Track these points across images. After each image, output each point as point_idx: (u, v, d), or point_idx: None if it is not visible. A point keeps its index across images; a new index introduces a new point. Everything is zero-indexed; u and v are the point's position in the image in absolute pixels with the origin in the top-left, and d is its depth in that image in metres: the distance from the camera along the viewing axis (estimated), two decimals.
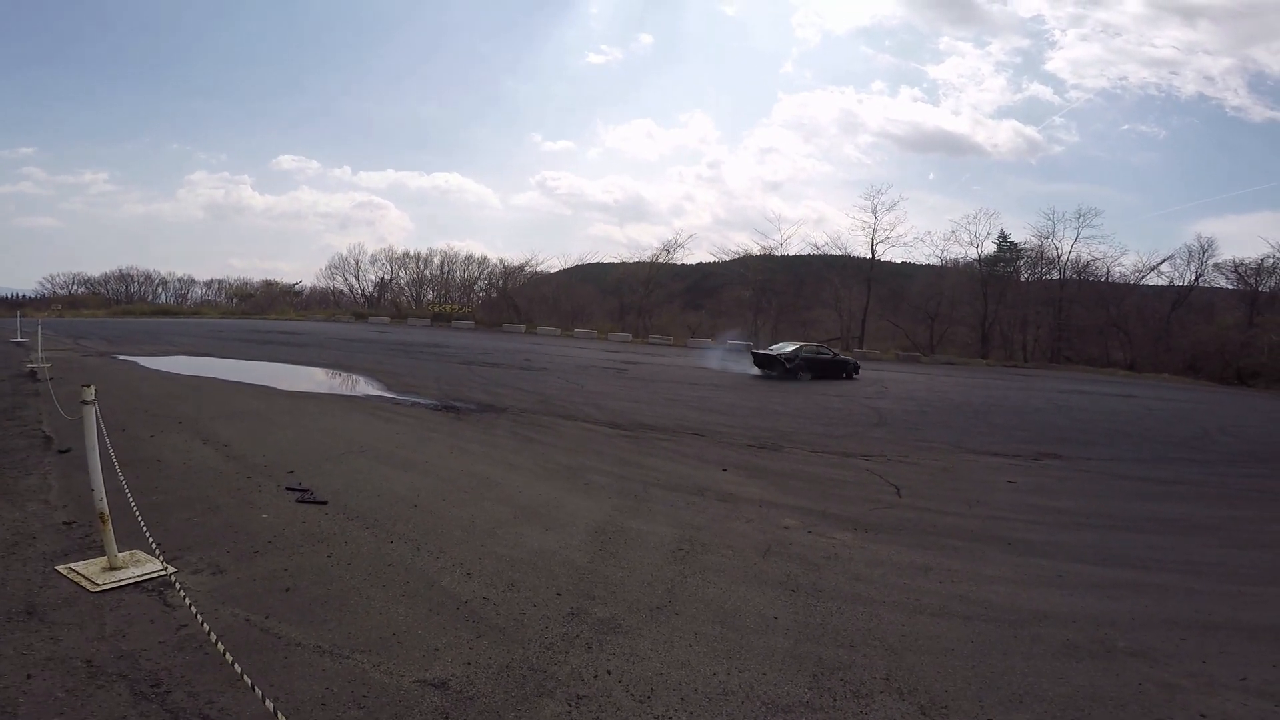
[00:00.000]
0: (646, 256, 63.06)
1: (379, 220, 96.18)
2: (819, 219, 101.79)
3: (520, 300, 59.17)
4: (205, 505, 4.87)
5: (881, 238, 52.40)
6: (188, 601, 2.89)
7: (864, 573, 4.53)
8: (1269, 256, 47.54)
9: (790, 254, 58.03)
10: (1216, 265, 49.90)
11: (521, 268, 63.52)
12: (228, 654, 2.34)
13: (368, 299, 62.75)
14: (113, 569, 3.48)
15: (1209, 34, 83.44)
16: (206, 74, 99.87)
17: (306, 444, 7.21)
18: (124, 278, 62.92)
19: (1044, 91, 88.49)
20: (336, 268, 64.52)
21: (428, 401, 11.36)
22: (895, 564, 4.75)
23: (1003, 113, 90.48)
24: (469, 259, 64.75)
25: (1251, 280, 48.21)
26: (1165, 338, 47.45)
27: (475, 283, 64.85)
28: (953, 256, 54.58)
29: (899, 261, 57.70)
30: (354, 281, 64.37)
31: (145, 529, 3.56)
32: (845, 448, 9.47)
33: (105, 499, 3.49)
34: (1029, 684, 3.13)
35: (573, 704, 2.70)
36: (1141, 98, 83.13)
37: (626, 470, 7.11)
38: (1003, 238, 54.50)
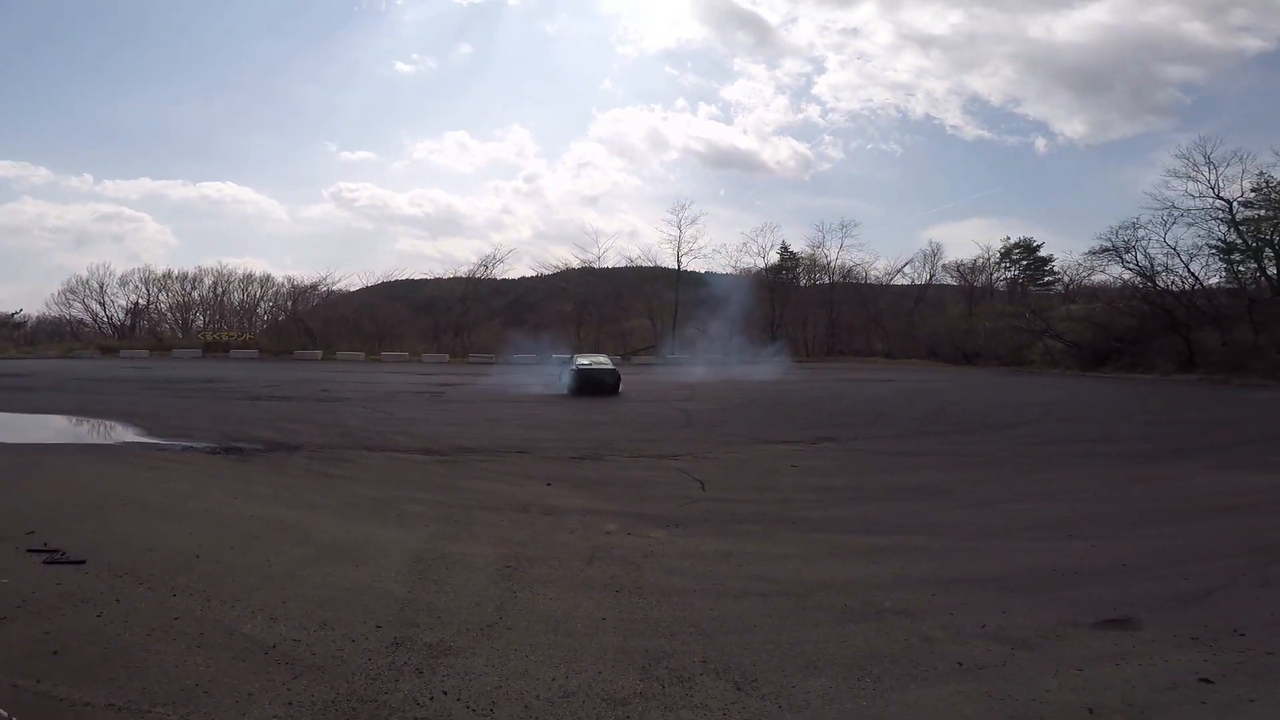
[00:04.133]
0: (463, 272, 61.19)
1: (131, 235, 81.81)
2: (632, 232, 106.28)
3: (314, 323, 54.04)
4: None
5: (686, 249, 56.20)
6: None
7: (676, 565, 4.89)
8: (979, 257, 59.14)
9: (608, 266, 59.91)
10: (944, 266, 60.78)
11: (314, 287, 58.08)
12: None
13: (118, 329, 53.12)
14: None
15: (938, 61, 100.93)
16: None
17: (47, 502, 6.05)
18: None
19: (814, 112, 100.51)
20: (74, 292, 53.92)
21: (203, 445, 10.02)
22: (702, 554, 5.16)
23: (782, 131, 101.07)
24: (249, 278, 57.77)
25: (969, 277, 59.38)
26: (910, 329, 56.51)
27: (258, 305, 58.09)
28: (744, 265, 60.20)
29: (702, 271, 62.10)
30: (98, 309, 54.29)
31: None
32: (659, 450, 10.09)
33: None
34: (819, 649, 3.46)
35: None
36: (884, 118, 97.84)
37: (445, 496, 6.93)
38: (784, 248, 61.33)
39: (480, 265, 60.28)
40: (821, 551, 5.35)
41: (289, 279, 58.60)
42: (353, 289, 60.30)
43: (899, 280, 62.34)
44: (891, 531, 5.95)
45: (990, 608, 4.05)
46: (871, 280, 60.93)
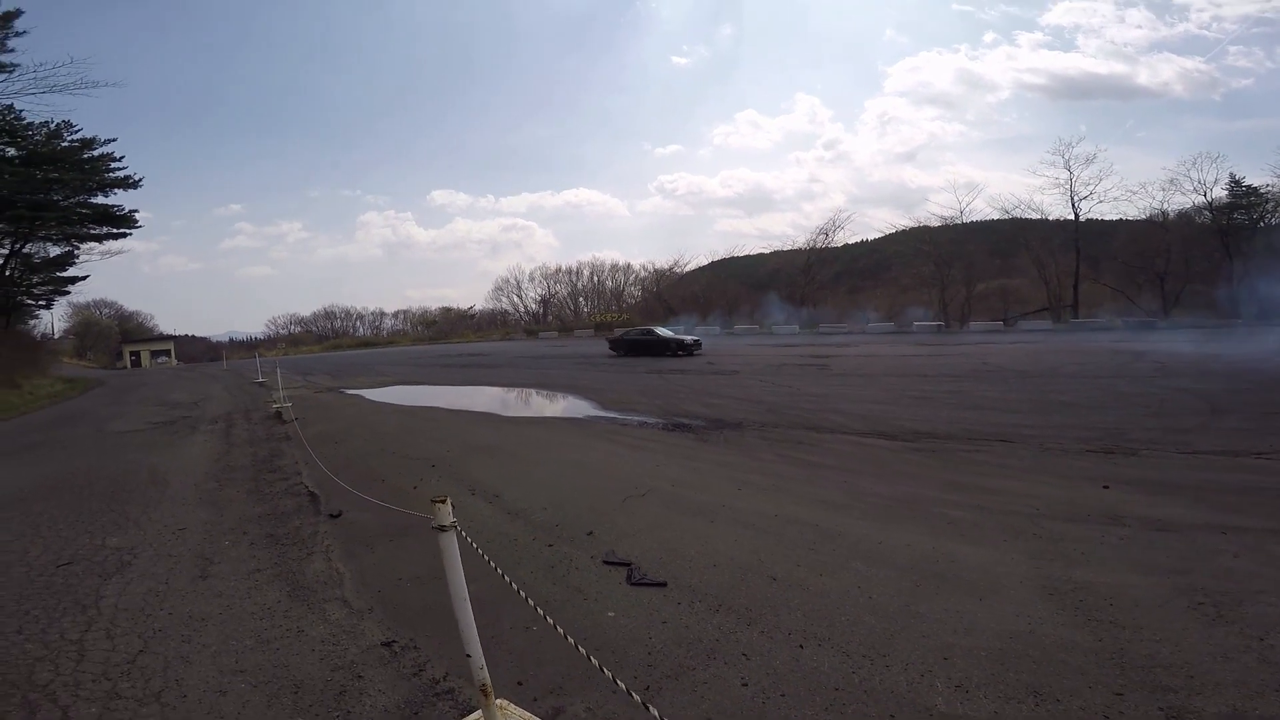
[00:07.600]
0: (801, 243, 60.88)
1: (525, 241, 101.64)
2: (968, 183, 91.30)
3: (672, 300, 58.99)
4: (534, 599, 3.96)
5: (1084, 194, 45.64)
6: None
7: None
8: None
9: (971, 221, 52.51)
10: None
11: (670, 269, 63.66)
12: None
13: (533, 315, 65.89)
14: None
15: None
16: (357, 124, 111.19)
17: (573, 487, 6.29)
18: (329, 315, 71.62)
19: (1196, 22, 72.25)
20: (500, 289, 68.75)
21: (654, 420, 10.47)
22: None
23: (1157, 48, 74.86)
24: (615, 267, 66.35)
25: None
26: None
27: (624, 289, 65.98)
28: (1174, 207, 46.22)
29: (1084, 219, 49.87)
30: (517, 300, 68.05)
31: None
32: (1220, 444, 7.19)
33: (486, 667, 2.49)
34: None
35: None
36: None
37: (971, 497, 5.54)
38: (1234, 181, 45.14)
39: (819, 233, 58.63)
40: None
41: (649, 264, 65.39)
42: (695, 268, 64.57)
43: None
44: None
45: None
46: None
